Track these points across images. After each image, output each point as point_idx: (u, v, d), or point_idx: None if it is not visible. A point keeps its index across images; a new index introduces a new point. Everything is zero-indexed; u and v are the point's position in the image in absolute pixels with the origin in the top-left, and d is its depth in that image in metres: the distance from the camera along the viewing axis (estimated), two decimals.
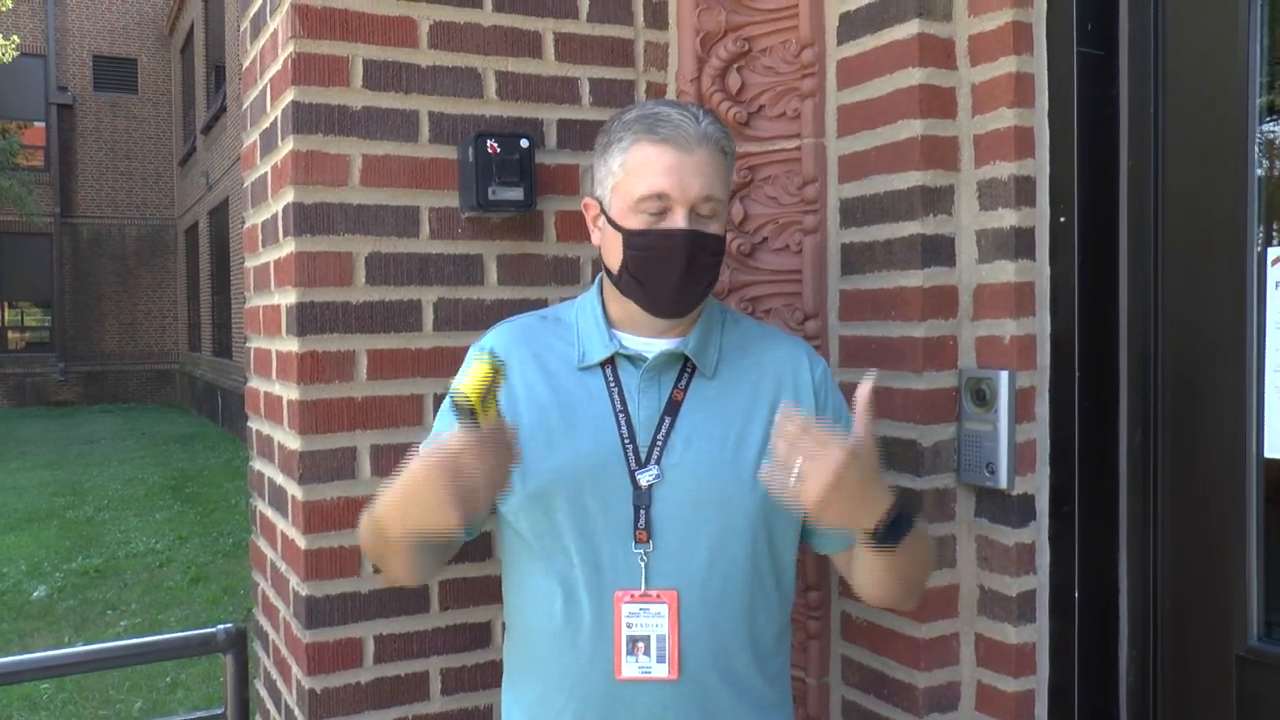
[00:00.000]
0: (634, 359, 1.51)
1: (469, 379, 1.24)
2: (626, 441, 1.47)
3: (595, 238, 1.55)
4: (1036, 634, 1.79)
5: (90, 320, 22.56)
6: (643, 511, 1.45)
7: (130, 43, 23.20)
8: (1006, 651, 1.79)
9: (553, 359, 1.54)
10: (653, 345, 1.52)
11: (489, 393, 1.24)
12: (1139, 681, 1.76)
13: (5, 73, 20.34)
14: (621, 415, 1.49)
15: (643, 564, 1.44)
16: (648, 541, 1.45)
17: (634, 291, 1.49)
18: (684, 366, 1.52)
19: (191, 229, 21.34)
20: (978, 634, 1.84)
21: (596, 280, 1.58)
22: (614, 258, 1.50)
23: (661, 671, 1.43)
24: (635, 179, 1.44)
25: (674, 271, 1.43)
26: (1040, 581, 1.79)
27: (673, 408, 1.49)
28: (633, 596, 1.44)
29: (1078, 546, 1.78)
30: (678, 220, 1.42)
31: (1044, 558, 1.79)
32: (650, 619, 1.44)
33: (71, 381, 22.17)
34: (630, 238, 1.45)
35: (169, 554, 8.02)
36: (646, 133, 1.44)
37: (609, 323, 1.54)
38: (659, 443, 1.47)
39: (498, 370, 1.25)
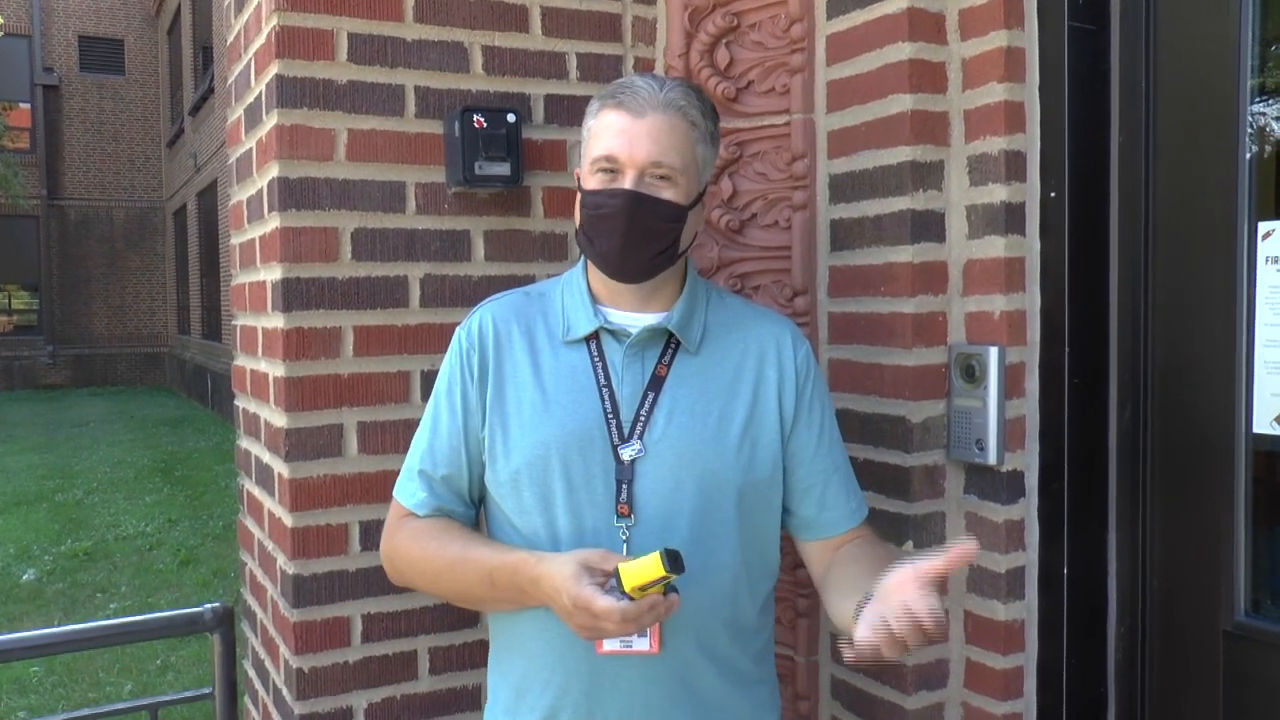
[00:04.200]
0: (618, 334, 1.51)
1: (631, 576, 1.25)
2: (610, 416, 1.47)
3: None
4: (1025, 611, 1.79)
5: (78, 303, 22.43)
6: (625, 486, 1.45)
7: (116, 23, 22.98)
8: (995, 628, 1.79)
9: (538, 334, 1.54)
10: (636, 320, 1.52)
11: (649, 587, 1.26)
12: (1127, 658, 1.76)
13: None
14: (605, 390, 1.49)
15: (624, 538, 1.44)
16: (630, 515, 1.45)
17: (589, 252, 1.52)
18: (668, 342, 1.52)
19: (180, 211, 21.21)
20: (966, 611, 1.84)
21: (582, 258, 1.58)
22: (577, 220, 1.53)
23: (643, 646, 1.43)
24: (593, 142, 1.48)
25: (616, 230, 1.45)
26: (1029, 558, 1.79)
27: (656, 383, 1.49)
28: None
29: (1067, 523, 1.78)
30: (625, 182, 1.44)
31: (1033, 534, 1.78)
32: None
33: (60, 365, 22.07)
34: (584, 197, 1.50)
35: (159, 537, 8.00)
36: (609, 99, 1.48)
37: (593, 299, 1.54)
38: (642, 418, 1.47)
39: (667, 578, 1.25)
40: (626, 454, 1.46)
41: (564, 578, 1.30)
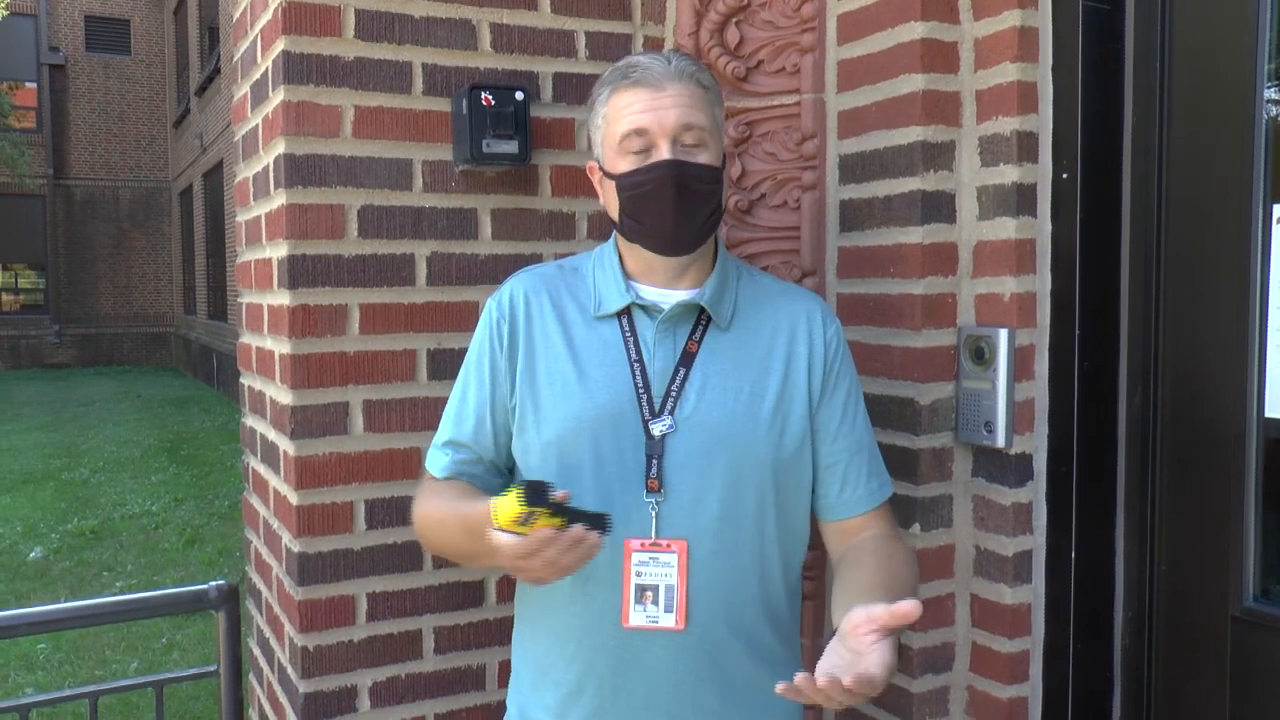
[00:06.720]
0: (650, 309, 1.51)
1: (499, 513, 1.23)
2: (641, 391, 1.48)
3: (601, 198, 1.57)
4: (1032, 595, 1.79)
5: (85, 283, 22.46)
6: (655, 461, 1.45)
7: (123, 3, 22.92)
8: (1002, 612, 1.79)
9: (570, 308, 1.55)
10: (669, 296, 1.52)
11: (527, 518, 1.22)
12: (1134, 642, 1.75)
13: None
14: (637, 365, 1.49)
15: (653, 513, 1.44)
16: (659, 491, 1.45)
17: (638, 235, 1.50)
18: (699, 318, 1.52)
19: (186, 191, 21.20)
20: (973, 595, 1.84)
21: (613, 234, 1.58)
22: (614, 208, 1.52)
23: (669, 621, 1.44)
24: (616, 124, 1.47)
25: (667, 203, 1.44)
26: (1037, 542, 1.78)
27: (687, 359, 1.49)
28: (643, 545, 1.44)
29: (1075, 507, 1.77)
30: (662, 153, 1.44)
31: (1041, 518, 1.78)
32: (659, 568, 1.44)
33: (66, 344, 22.12)
34: (621, 180, 1.48)
35: (165, 516, 8.02)
36: (620, 79, 1.48)
37: (625, 274, 1.54)
38: (673, 393, 1.48)
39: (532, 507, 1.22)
40: (657, 429, 1.46)
41: (485, 516, 1.29)
